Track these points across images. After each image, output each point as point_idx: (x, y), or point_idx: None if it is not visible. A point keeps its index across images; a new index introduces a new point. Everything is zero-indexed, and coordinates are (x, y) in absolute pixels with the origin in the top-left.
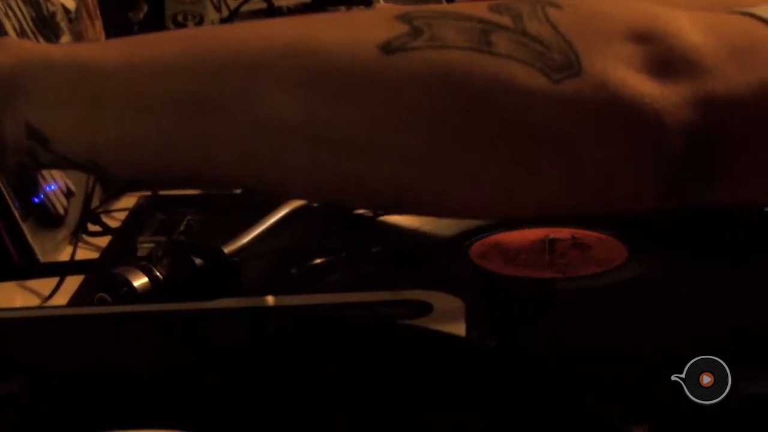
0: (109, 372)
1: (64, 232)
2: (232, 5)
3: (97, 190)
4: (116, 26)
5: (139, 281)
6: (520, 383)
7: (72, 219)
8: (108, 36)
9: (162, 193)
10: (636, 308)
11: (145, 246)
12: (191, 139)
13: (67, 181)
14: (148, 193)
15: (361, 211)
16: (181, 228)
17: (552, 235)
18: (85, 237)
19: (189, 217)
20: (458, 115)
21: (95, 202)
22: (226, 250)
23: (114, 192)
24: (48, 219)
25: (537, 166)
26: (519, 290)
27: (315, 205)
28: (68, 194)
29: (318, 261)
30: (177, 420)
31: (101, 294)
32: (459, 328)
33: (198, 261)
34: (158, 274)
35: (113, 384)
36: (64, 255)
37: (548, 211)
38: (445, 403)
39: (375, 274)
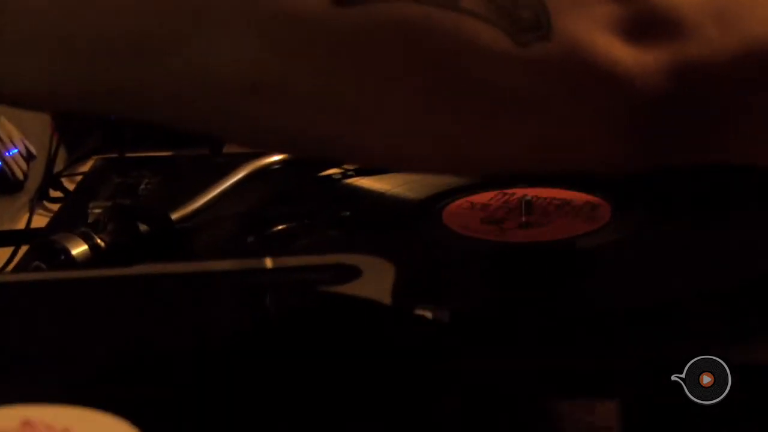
0: (36, 341)
1: (23, 199)
2: None
3: (62, 153)
4: None
5: (78, 249)
6: (464, 362)
7: (33, 184)
8: None
9: (128, 155)
10: (608, 276)
11: (96, 211)
12: (126, 84)
13: (28, 143)
14: (114, 155)
15: (328, 172)
16: (138, 191)
17: (530, 196)
18: (46, 203)
19: (147, 180)
20: (414, 74)
21: (59, 166)
22: (175, 215)
23: (80, 155)
24: (5, 185)
25: (501, 126)
26: (482, 253)
27: (276, 166)
28: (28, 158)
29: (279, 227)
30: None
31: (37, 263)
32: (386, 295)
33: (143, 227)
34: (99, 241)
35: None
36: (24, 223)
37: (514, 169)
38: (366, 373)
39: (341, 241)
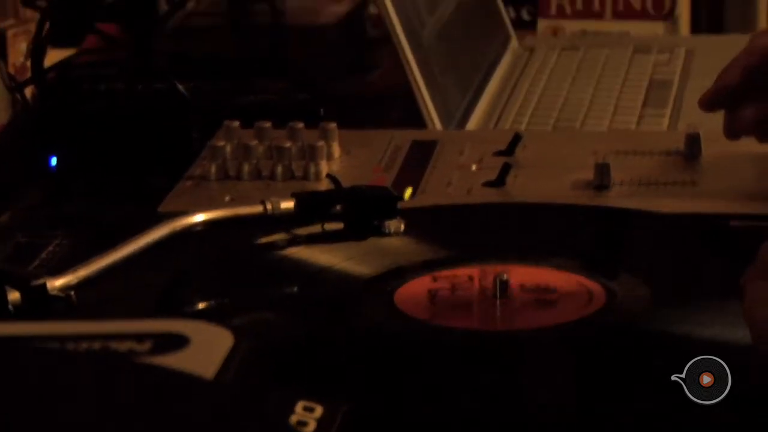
0: None
1: None
2: None
3: None
4: None
5: None
6: None
7: None
8: None
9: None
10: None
11: None
12: None
13: None
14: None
15: (269, 239)
16: (44, 255)
17: (507, 275)
18: None
19: (56, 242)
20: None
21: None
22: (59, 281)
23: (13, 213)
24: None
25: None
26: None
27: (199, 228)
28: None
29: (199, 306)
30: None
31: None
32: (209, 369)
33: (14, 294)
34: None
35: None
36: None
37: None
38: None
39: (276, 325)
